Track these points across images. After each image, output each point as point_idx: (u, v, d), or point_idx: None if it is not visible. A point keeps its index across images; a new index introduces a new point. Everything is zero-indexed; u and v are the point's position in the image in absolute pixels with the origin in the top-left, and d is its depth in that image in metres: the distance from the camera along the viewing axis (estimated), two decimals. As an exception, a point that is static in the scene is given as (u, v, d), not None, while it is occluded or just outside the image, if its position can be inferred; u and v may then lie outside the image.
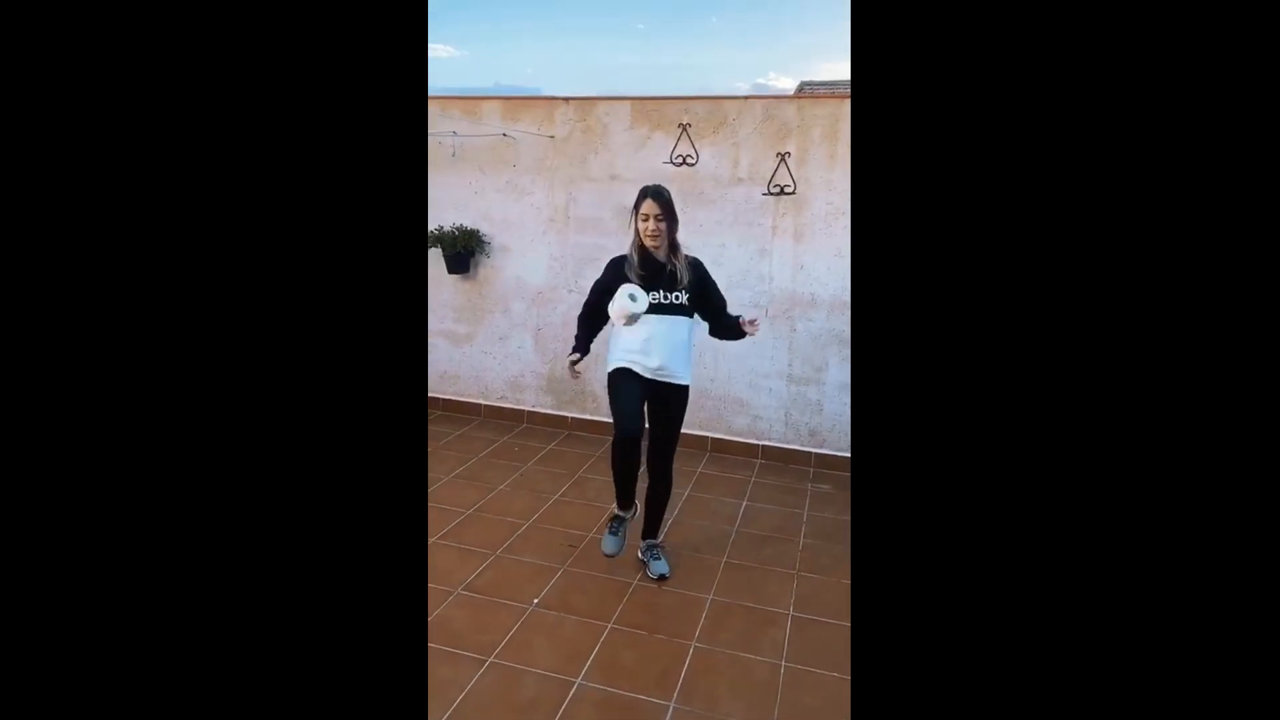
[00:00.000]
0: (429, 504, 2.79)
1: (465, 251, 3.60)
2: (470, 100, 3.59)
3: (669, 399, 2.26)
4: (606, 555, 2.36)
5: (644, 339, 2.18)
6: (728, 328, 2.31)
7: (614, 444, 2.26)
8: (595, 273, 3.74)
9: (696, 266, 2.28)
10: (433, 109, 3.59)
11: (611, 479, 2.36)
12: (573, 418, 3.68)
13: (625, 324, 2.12)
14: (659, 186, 2.21)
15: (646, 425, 2.26)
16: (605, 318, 2.22)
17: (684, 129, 3.26)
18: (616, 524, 2.41)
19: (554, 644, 1.99)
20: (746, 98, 3.24)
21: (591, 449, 3.44)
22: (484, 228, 3.64)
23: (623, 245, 3.57)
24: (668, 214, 2.17)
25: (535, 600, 2.19)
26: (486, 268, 3.70)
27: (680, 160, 3.29)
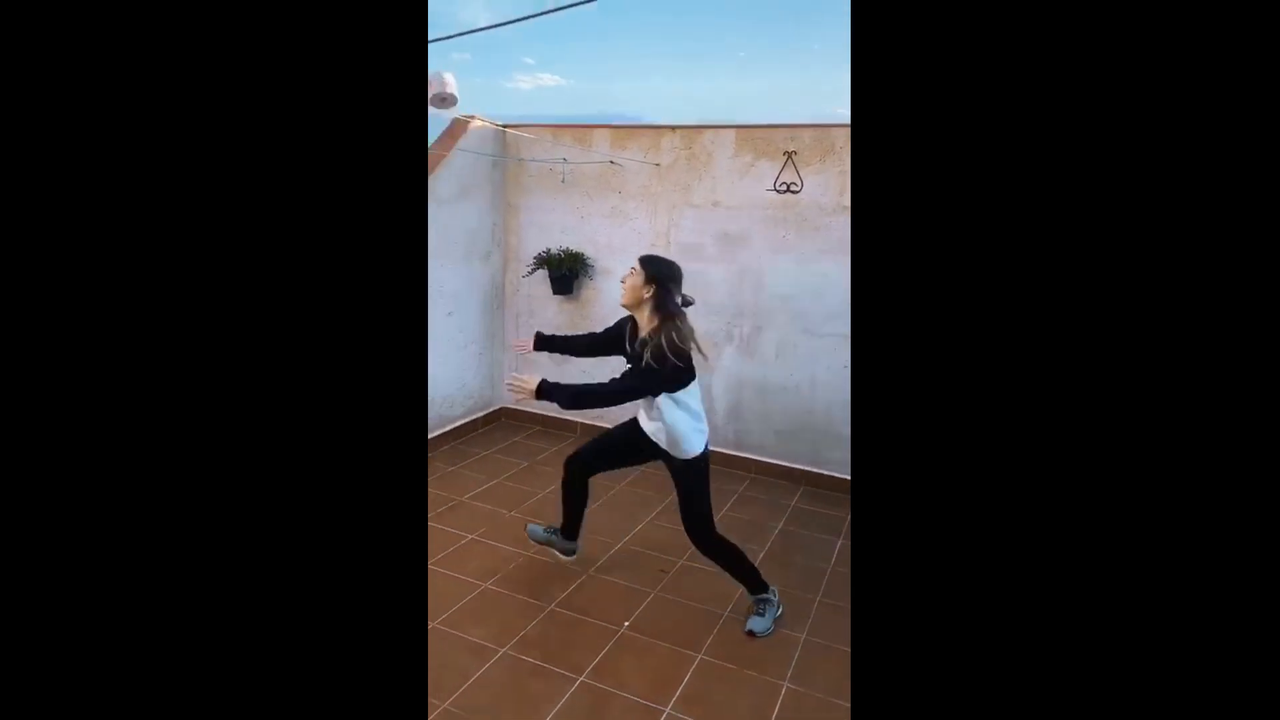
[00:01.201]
0: (526, 519, 2.88)
1: (570, 273, 3.73)
2: (582, 128, 3.73)
3: (672, 468, 2.24)
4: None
5: (644, 415, 2.24)
6: (587, 403, 2.11)
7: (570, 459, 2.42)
8: (695, 297, 3.79)
9: (655, 349, 2.00)
10: (545, 136, 3.75)
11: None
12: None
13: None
14: (652, 255, 2.15)
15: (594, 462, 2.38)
16: (580, 349, 2.39)
17: (789, 156, 3.25)
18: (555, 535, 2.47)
19: (643, 669, 1.99)
20: (856, 125, 3.18)
21: (684, 473, 3.44)
22: (588, 251, 3.75)
23: (724, 272, 3.62)
24: (648, 281, 2.05)
25: (626, 623, 2.20)
26: (589, 289, 3.80)
27: (784, 187, 3.27)
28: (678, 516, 2.99)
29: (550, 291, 3.80)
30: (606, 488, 3.23)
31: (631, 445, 2.23)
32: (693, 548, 2.37)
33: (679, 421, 2.11)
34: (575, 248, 3.75)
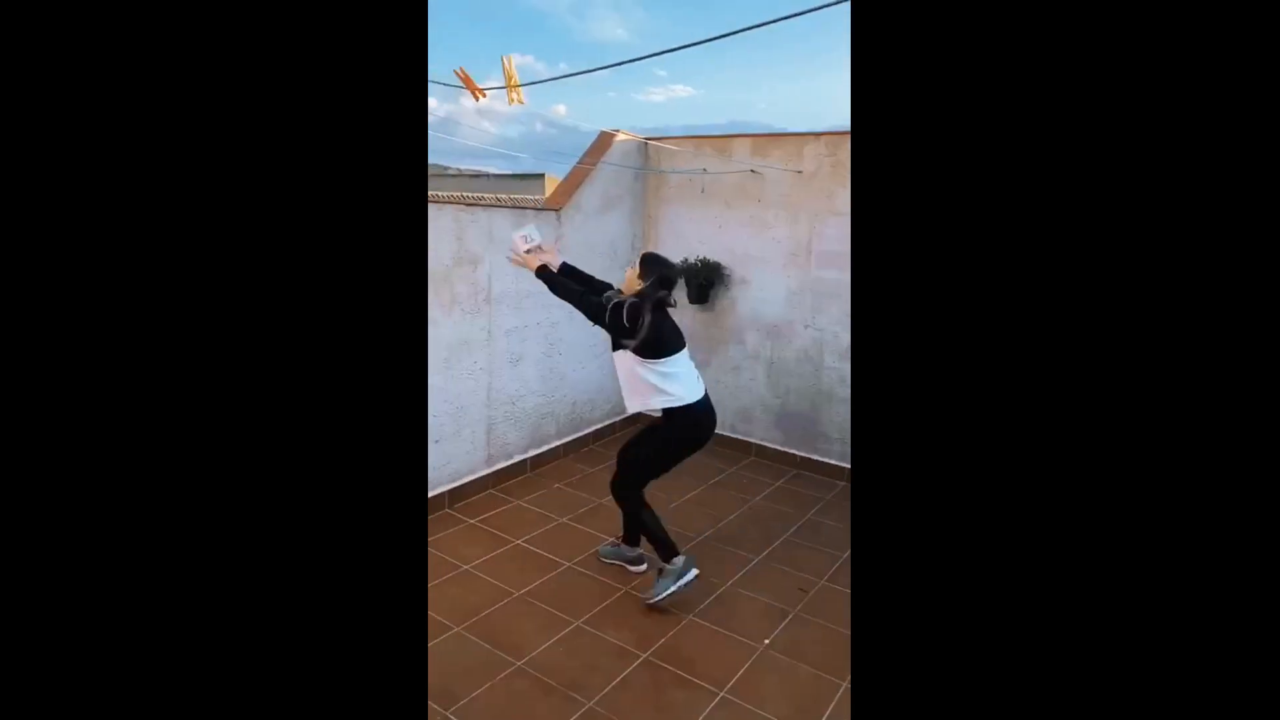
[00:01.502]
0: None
1: (706, 283, 3.74)
2: (722, 139, 3.74)
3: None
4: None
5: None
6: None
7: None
8: (837, 309, 3.66)
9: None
10: (686, 148, 3.80)
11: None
12: (802, 456, 3.62)
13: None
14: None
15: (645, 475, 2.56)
16: (581, 295, 2.45)
17: (946, 161, 3.07)
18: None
19: (786, 691, 1.96)
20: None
21: (822, 491, 3.35)
22: (726, 260, 3.75)
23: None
24: (630, 272, 2.49)
25: (766, 641, 2.18)
26: (724, 299, 3.80)
27: (939, 194, 3.10)
28: (820, 536, 2.92)
29: (687, 300, 3.83)
30: (742, 500, 3.21)
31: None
32: (827, 577, 2.30)
33: (639, 382, 2.48)
34: (712, 257, 3.76)
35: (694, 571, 2.34)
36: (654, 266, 2.44)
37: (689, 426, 2.48)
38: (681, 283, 3.79)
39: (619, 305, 2.40)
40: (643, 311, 2.36)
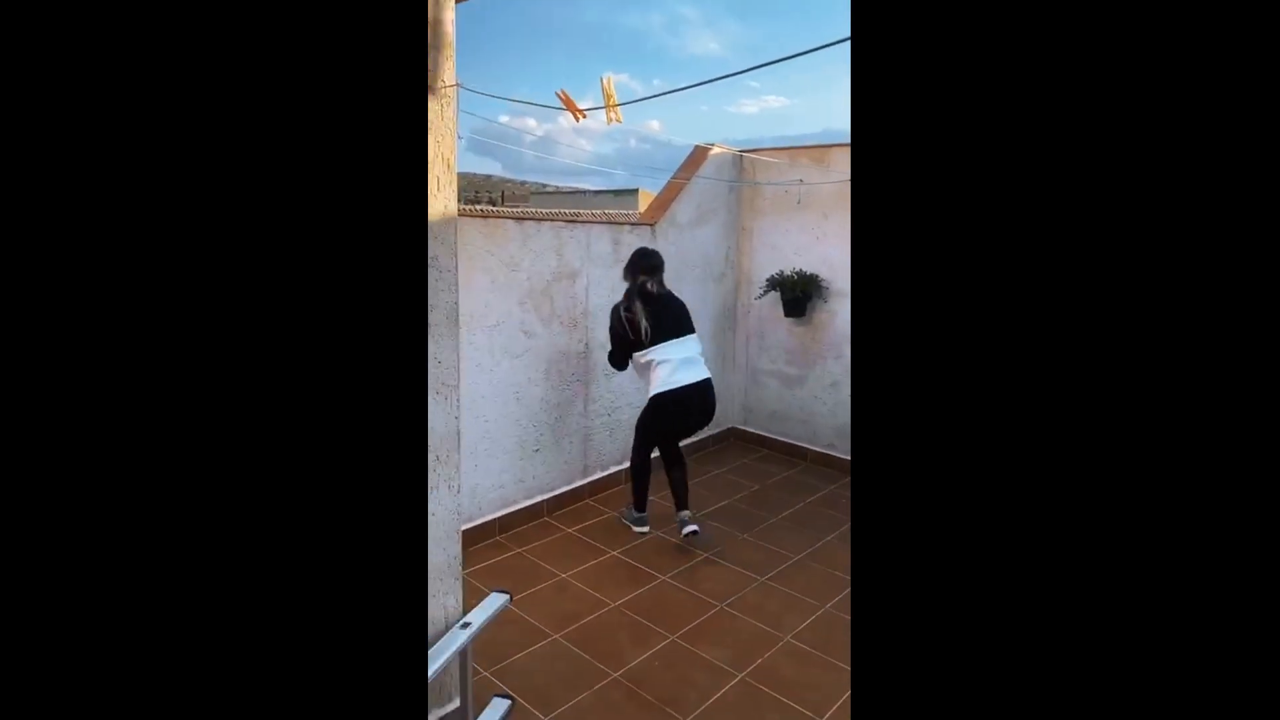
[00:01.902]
0: (759, 544, 2.87)
1: (803, 295, 3.67)
2: (819, 149, 3.66)
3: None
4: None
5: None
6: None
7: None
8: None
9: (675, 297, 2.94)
10: (782, 160, 3.75)
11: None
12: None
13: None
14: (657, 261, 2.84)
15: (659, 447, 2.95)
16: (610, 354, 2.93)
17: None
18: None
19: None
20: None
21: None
22: (823, 273, 3.66)
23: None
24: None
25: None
26: (822, 312, 3.71)
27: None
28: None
29: (782, 314, 3.77)
30: (839, 521, 3.10)
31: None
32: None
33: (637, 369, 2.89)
34: (809, 269, 3.68)
35: (645, 529, 2.92)
36: (629, 264, 2.77)
37: (653, 413, 2.79)
38: (777, 296, 3.73)
39: (613, 328, 2.74)
40: (635, 314, 2.63)
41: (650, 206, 3.71)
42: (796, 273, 3.69)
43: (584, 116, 1.38)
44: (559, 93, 1.35)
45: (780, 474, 3.63)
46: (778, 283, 3.71)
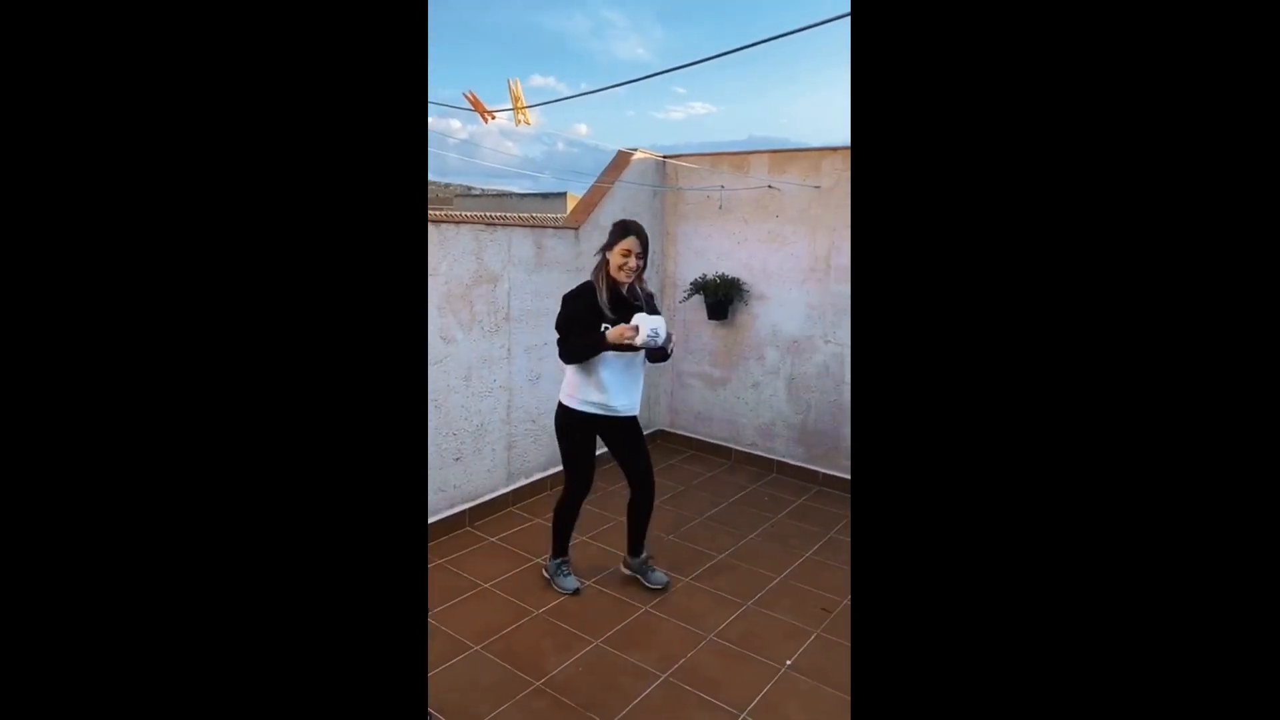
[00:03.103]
0: (683, 544, 2.90)
1: (725, 299, 3.74)
2: (739, 155, 3.75)
3: (628, 431, 2.40)
4: (570, 592, 2.47)
5: (612, 378, 2.27)
6: (662, 354, 2.36)
7: (569, 502, 2.45)
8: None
9: (654, 300, 2.38)
10: (704, 165, 3.82)
11: (554, 528, 2.54)
12: (824, 473, 3.57)
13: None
14: (638, 223, 2.24)
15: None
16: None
17: (965, 173, 3.04)
18: (566, 565, 2.55)
19: (808, 714, 1.92)
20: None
21: (844, 508, 3.30)
22: (744, 276, 3.74)
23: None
24: (645, 253, 2.23)
25: (789, 662, 2.14)
26: (744, 315, 3.79)
27: (960, 206, 3.06)
28: (842, 554, 2.86)
29: (706, 317, 3.83)
30: (764, 518, 3.17)
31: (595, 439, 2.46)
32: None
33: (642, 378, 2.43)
34: (731, 273, 3.76)
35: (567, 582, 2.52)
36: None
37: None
38: (701, 299, 3.79)
39: (653, 298, 2.39)
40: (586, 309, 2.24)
41: (574, 210, 3.69)
42: (719, 276, 3.76)
43: (493, 118, 1.36)
44: (466, 94, 1.33)
45: (706, 474, 3.68)
46: (701, 286, 3.77)
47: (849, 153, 3.36)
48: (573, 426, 2.36)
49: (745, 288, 3.75)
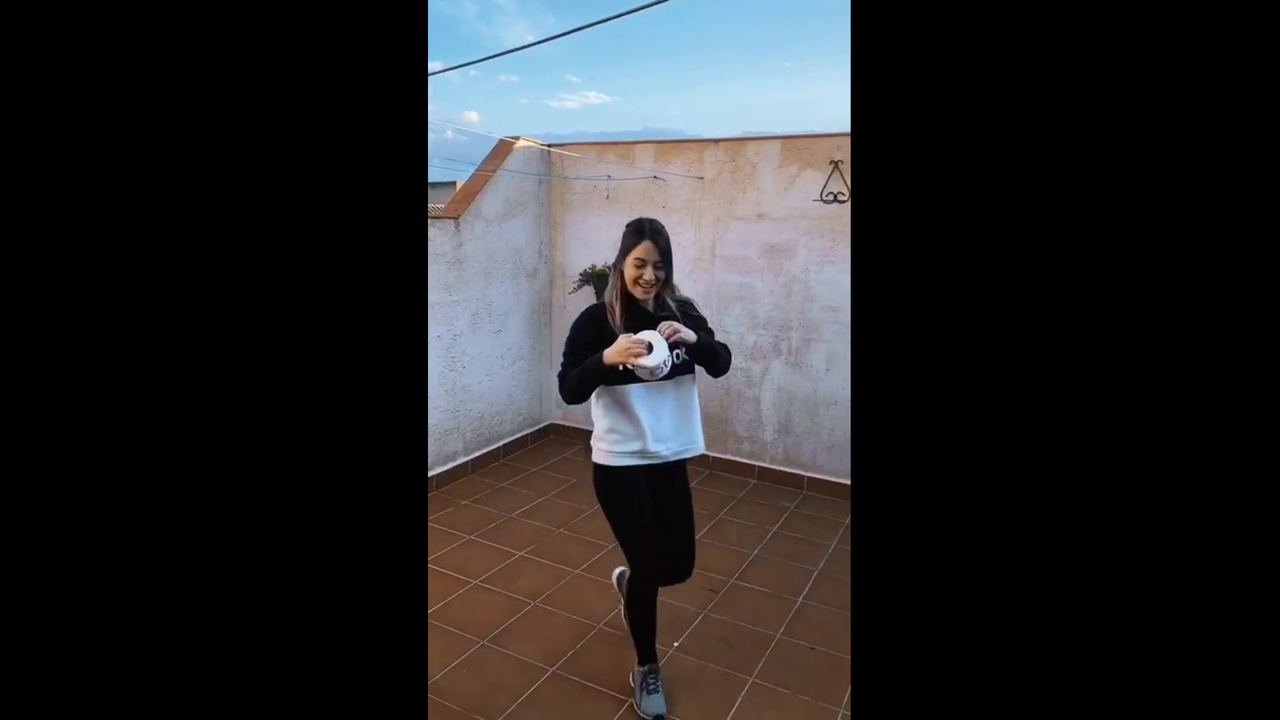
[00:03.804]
0: (575, 536, 2.88)
1: (614, 290, 3.74)
2: (624, 145, 3.75)
3: (674, 485, 1.84)
4: (656, 716, 1.82)
5: (649, 411, 1.73)
6: (711, 358, 1.75)
7: (641, 587, 1.82)
8: (741, 311, 3.64)
9: (689, 307, 1.83)
10: (589, 154, 3.79)
11: (631, 627, 1.90)
12: (714, 456, 3.65)
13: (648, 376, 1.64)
14: (656, 223, 1.72)
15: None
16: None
17: (835, 166, 3.19)
18: (653, 678, 1.87)
19: (693, 692, 1.95)
20: (905, 131, 3.10)
21: (733, 490, 3.39)
22: (632, 267, 3.75)
23: (770, 285, 3.57)
24: (667, 260, 1.70)
25: (675, 644, 2.17)
26: (634, 305, 3.80)
27: (831, 197, 3.21)
28: (728, 536, 2.94)
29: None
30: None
31: (650, 492, 1.82)
32: (736, 576, 2.28)
33: (696, 407, 1.86)
34: (620, 263, 3.76)
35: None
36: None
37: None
38: (591, 290, 3.77)
39: (690, 307, 1.84)
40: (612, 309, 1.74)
41: (453, 200, 3.56)
42: (609, 266, 3.75)
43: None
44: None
45: (598, 466, 3.68)
46: (591, 277, 3.75)
47: (729, 145, 3.46)
48: (612, 489, 1.79)
49: (634, 278, 3.76)
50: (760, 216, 3.40)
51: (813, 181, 3.25)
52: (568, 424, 4.11)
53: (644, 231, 1.69)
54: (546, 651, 2.11)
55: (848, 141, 3.17)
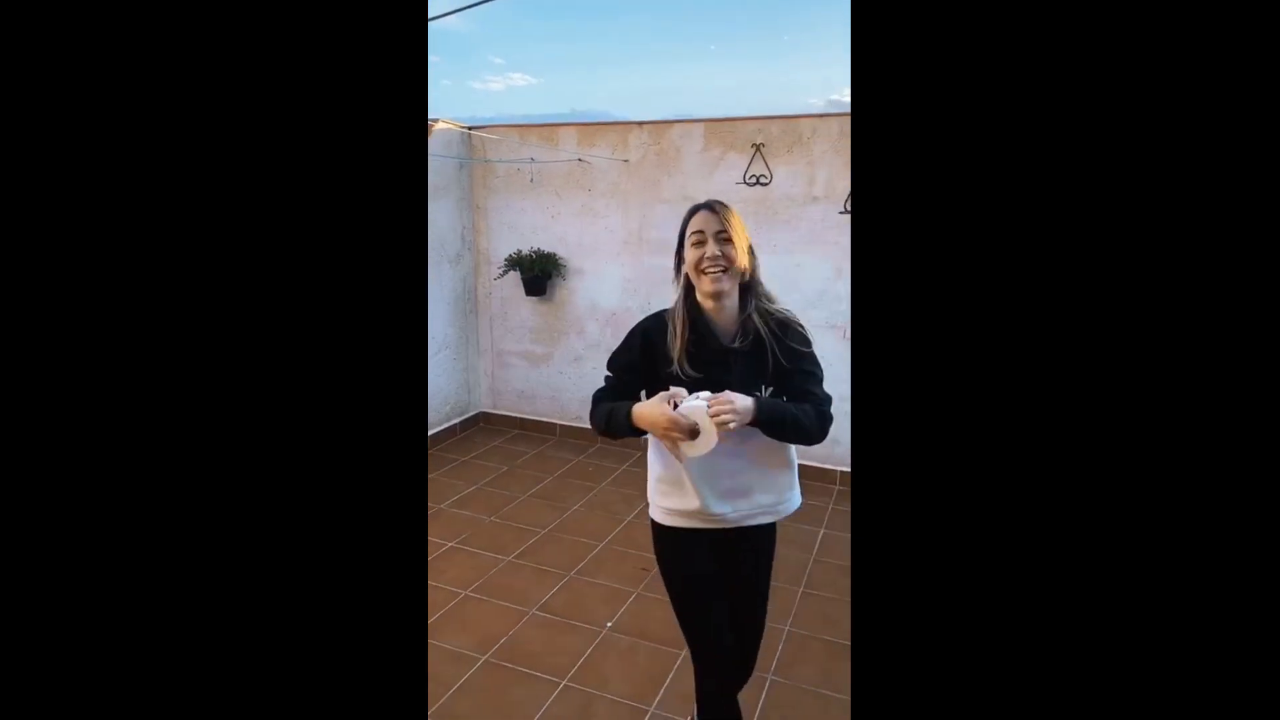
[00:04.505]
0: (506, 524, 2.85)
1: (542, 274, 3.69)
2: (548, 127, 3.69)
3: (744, 555, 1.41)
4: None
5: (707, 469, 1.28)
6: (788, 432, 1.25)
7: (704, 692, 1.38)
8: (669, 293, 3.72)
9: (789, 332, 1.31)
10: (511, 136, 3.72)
11: None
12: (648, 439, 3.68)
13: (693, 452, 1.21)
14: (715, 200, 1.33)
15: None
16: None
17: (758, 149, 3.24)
18: None
19: (627, 670, 1.98)
20: (822, 116, 3.18)
21: (665, 470, 3.44)
22: (560, 251, 3.72)
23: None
24: (734, 230, 1.26)
25: (609, 624, 2.18)
26: (562, 290, 3.77)
27: (754, 180, 3.26)
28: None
29: (524, 293, 3.76)
30: (588, 489, 3.21)
31: (714, 558, 1.38)
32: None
33: (791, 459, 1.39)
34: (546, 248, 3.72)
35: None
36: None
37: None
38: (517, 275, 3.71)
39: (791, 329, 1.36)
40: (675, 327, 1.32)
41: (372, 182, 3.43)
42: (535, 251, 3.70)
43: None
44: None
45: (530, 451, 3.65)
46: (516, 262, 3.69)
47: (653, 127, 3.46)
48: (661, 556, 1.39)
49: (562, 262, 3.73)
50: (686, 199, 3.42)
51: (736, 165, 3.29)
52: (498, 411, 4.06)
53: (699, 205, 1.31)
54: (478, 640, 2.09)
55: (770, 125, 3.23)
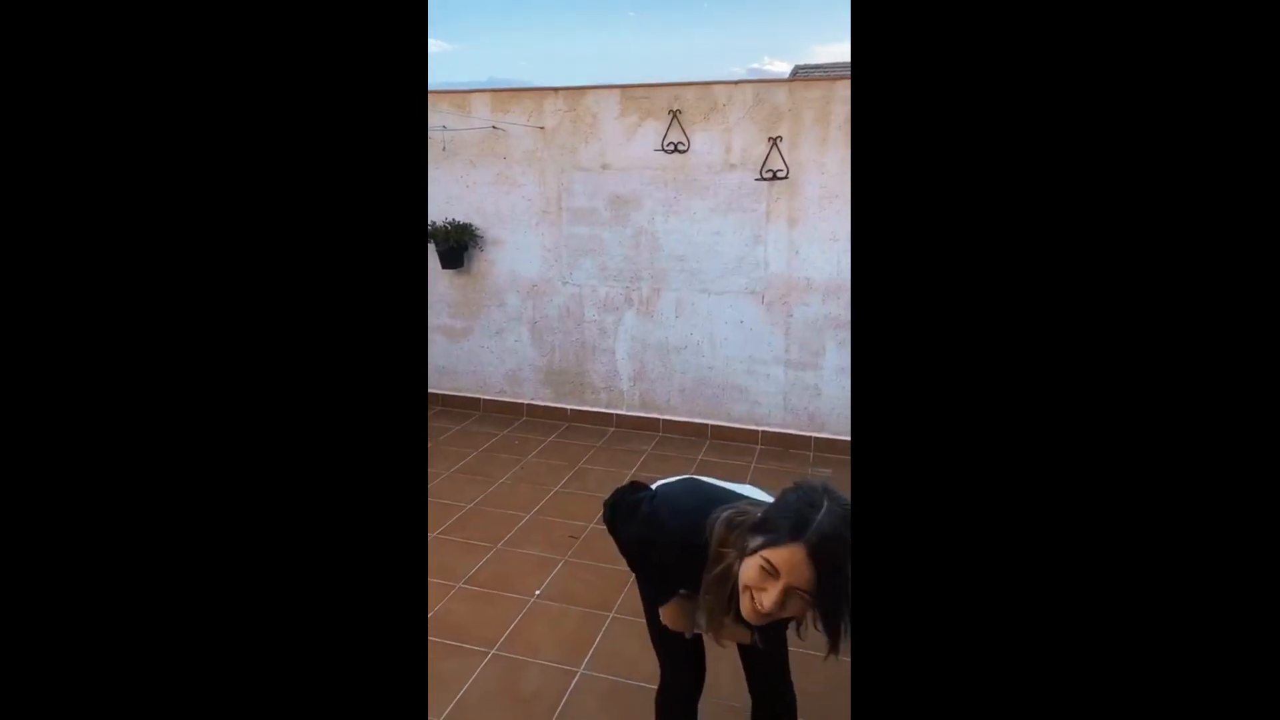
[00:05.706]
0: (430, 500, 2.79)
1: (458, 246, 3.59)
2: (459, 94, 3.56)
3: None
4: None
5: None
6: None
7: (664, 692, 1.37)
8: (591, 264, 3.66)
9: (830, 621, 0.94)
10: (421, 103, 3.57)
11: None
12: (572, 409, 3.68)
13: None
14: (838, 511, 0.90)
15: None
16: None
17: (674, 116, 3.24)
18: None
19: (556, 635, 1.99)
20: (737, 83, 3.21)
21: (592, 439, 3.45)
22: (476, 221, 3.63)
23: (618, 236, 3.59)
24: (830, 593, 0.90)
25: (537, 592, 2.19)
26: (480, 261, 3.69)
27: (671, 147, 3.26)
28: (588, 483, 2.99)
29: (440, 266, 3.65)
30: (514, 461, 3.18)
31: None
32: (596, 520, 2.34)
33: None
34: (462, 219, 3.61)
35: None
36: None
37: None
38: (432, 248, 3.59)
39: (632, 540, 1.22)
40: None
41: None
42: (450, 223, 3.59)
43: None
44: None
45: (454, 428, 3.58)
46: (431, 234, 3.57)
47: (569, 93, 3.40)
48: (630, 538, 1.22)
49: (479, 233, 3.64)
50: (604, 167, 3.39)
51: (653, 131, 3.28)
52: (439, 391, 3.95)
53: (805, 525, 0.89)
54: (404, 617, 2.05)
55: (685, 91, 3.23)
